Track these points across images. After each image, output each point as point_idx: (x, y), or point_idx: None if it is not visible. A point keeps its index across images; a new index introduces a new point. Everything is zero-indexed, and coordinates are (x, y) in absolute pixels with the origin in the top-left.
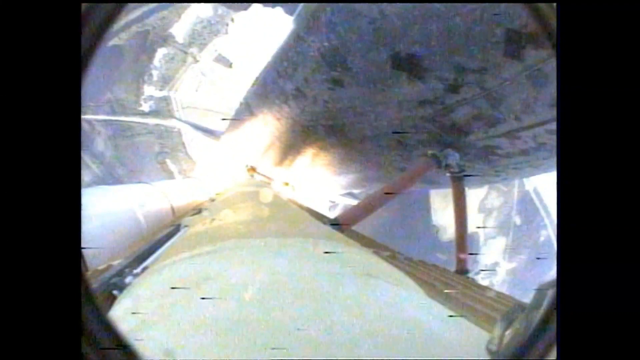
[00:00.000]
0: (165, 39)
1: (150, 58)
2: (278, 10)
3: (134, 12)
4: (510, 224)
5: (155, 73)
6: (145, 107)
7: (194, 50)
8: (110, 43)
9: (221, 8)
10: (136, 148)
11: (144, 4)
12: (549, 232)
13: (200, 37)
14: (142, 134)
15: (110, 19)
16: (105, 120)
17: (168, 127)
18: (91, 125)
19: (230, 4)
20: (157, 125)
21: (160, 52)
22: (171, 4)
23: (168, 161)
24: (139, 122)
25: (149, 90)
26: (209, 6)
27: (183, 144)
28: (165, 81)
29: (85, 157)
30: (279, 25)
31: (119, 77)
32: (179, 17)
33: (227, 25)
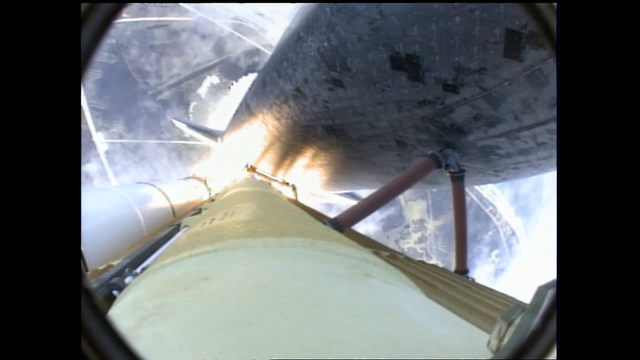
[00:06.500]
0: (194, 97)
1: (187, 108)
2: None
3: (171, 79)
4: (427, 191)
5: (191, 116)
6: (186, 135)
7: (212, 103)
8: (159, 97)
9: (224, 78)
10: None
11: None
12: (471, 196)
13: (214, 96)
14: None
15: (110, 19)
16: (160, 144)
17: (205, 146)
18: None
19: (230, 76)
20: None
21: (192, 105)
22: (191, 78)
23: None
24: (185, 144)
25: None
26: (216, 77)
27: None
28: (198, 121)
29: None
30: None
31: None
32: (200, 84)
33: (229, 87)
